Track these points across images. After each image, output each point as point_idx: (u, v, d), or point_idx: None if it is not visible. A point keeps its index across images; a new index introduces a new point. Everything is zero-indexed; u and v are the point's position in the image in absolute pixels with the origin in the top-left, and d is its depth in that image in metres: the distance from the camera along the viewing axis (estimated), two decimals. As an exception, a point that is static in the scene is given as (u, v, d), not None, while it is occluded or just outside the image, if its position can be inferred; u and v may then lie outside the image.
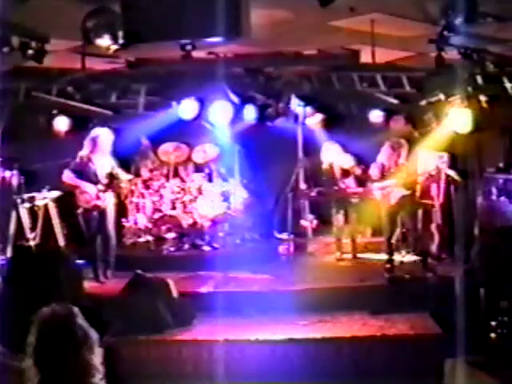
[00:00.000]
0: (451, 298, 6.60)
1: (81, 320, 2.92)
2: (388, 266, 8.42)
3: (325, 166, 10.11)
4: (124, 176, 9.04)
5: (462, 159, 10.06)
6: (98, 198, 8.57)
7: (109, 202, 8.72)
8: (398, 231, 9.35)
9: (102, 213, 8.64)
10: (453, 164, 9.52)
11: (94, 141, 8.69)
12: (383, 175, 9.20)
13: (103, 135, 8.78)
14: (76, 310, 2.95)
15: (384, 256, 8.70)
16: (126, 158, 9.99)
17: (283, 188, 10.33)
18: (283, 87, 10.81)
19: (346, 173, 10.15)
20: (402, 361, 6.31)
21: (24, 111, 10.51)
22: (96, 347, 2.90)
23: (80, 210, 8.61)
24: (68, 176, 8.63)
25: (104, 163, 8.74)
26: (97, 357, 2.89)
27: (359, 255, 9.70)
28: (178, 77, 10.17)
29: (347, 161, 10.23)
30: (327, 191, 9.87)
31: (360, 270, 9.09)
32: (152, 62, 9.66)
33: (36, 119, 10.88)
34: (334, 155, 10.13)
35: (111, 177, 8.76)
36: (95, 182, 8.60)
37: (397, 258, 8.83)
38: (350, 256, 9.73)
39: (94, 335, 2.92)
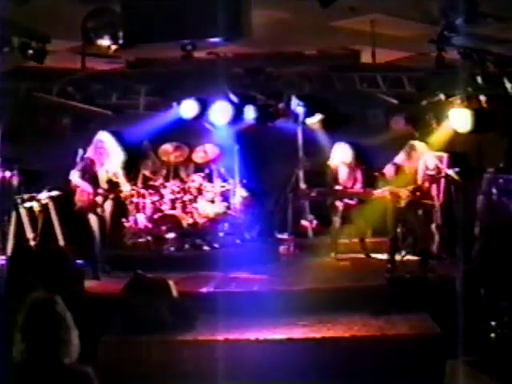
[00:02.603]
0: (451, 297, 6.60)
1: (60, 306, 3.52)
2: (389, 266, 8.42)
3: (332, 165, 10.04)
4: (125, 186, 9.17)
5: (462, 159, 10.05)
6: (94, 199, 8.67)
7: (107, 206, 8.81)
8: (399, 231, 9.35)
9: (98, 215, 8.71)
10: (453, 164, 9.51)
11: (97, 144, 8.81)
12: (398, 176, 9.21)
13: (107, 140, 8.88)
14: (57, 297, 3.55)
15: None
16: (126, 158, 9.99)
17: (283, 188, 10.33)
18: (283, 87, 10.81)
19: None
20: (402, 361, 6.30)
21: (24, 111, 10.51)
22: (72, 329, 3.48)
23: (76, 209, 8.71)
24: (73, 176, 8.74)
25: (108, 168, 8.86)
26: (72, 336, 3.46)
27: (372, 255, 9.69)
28: (178, 77, 10.17)
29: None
30: (327, 191, 9.87)
31: (360, 270, 9.09)
32: (152, 61, 9.67)
33: (36, 119, 10.88)
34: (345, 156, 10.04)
35: (111, 184, 8.83)
36: (95, 184, 8.70)
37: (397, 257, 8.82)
38: (346, 256, 9.74)
39: (70, 319, 3.51)
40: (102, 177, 8.84)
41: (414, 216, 9.17)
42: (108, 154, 8.89)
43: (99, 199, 8.69)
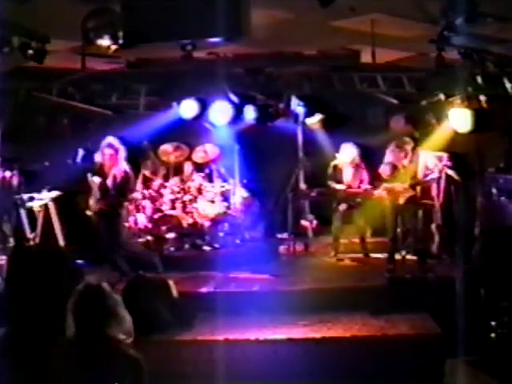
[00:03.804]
0: (451, 298, 6.60)
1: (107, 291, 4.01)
2: (390, 266, 8.43)
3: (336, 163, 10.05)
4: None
5: (462, 159, 10.06)
6: (101, 204, 8.43)
7: (115, 210, 8.47)
8: (399, 231, 9.35)
9: (107, 219, 8.45)
10: (453, 164, 9.51)
11: (103, 151, 8.53)
12: (393, 175, 9.23)
13: (115, 144, 8.59)
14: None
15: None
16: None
17: (283, 188, 10.33)
18: (283, 87, 10.81)
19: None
20: (402, 361, 6.30)
21: (24, 111, 10.51)
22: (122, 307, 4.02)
23: (89, 213, 8.56)
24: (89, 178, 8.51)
25: (116, 173, 8.46)
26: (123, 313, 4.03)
27: (371, 254, 9.69)
28: (178, 77, 10.17)
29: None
30: (327, 191, 9.88)
31: (360, 270, 9.09)
32: (152, 61, 9.66)
33: (36, 119, 10.88)
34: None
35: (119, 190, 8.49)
36: (104, 190, 8.41)
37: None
38: (346, 256, 9.75)
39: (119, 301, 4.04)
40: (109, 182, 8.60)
41: (413, 213, 9.18)
42: (117, 160, 8.53)
43: (102, 204, 8.42)
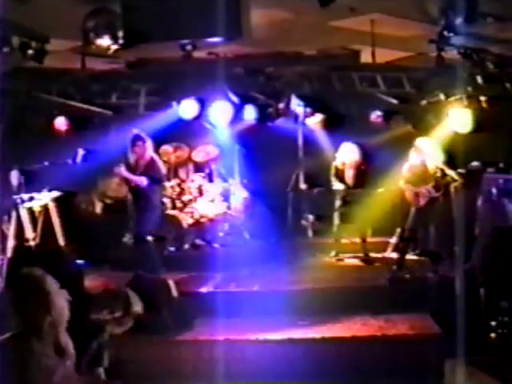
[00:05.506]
0: (451, 297, 6.60)
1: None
2: (394, 267, 8.43)
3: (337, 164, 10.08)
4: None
5: (462, 159, 10.07)
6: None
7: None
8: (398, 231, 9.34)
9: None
10: (453, 164, 9.51)
11: (133, 143, 8.88)
12: (412, 175, 9.18)
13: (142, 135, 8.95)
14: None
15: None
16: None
17: (283, 188, 10.33)
18: (283, 87, 10.81)
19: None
20: (402, 361, 6.30)
21: (24, 111, 10.50)
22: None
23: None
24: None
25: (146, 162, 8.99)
26: None
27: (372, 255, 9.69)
28: (178, 77, 10.17)
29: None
30: (328, 191, 9.88)
31: (360, 270, 9.09)
32: (152, 61, 9.66)
33: (36, 119, 10.88)
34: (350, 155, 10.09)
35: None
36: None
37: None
38: (348, 256, 9.75)
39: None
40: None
41: (437, 215, 9.14)
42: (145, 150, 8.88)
43: None
